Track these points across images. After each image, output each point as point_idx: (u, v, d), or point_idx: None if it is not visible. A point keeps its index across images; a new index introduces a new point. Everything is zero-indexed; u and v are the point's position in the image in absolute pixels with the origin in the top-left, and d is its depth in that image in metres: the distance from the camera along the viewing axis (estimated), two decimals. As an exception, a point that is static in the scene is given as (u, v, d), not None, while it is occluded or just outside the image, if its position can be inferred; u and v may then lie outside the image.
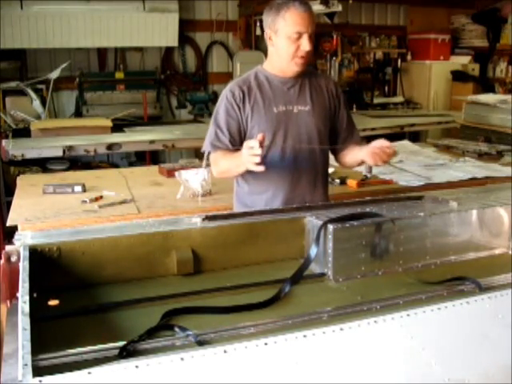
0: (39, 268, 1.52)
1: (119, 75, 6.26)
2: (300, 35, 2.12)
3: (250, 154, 1.92)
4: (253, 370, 0.98)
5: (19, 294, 1.27)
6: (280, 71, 2.25)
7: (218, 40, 6.86)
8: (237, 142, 2.22)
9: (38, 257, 1.55)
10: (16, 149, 4.22)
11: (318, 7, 5.07)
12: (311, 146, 2.27)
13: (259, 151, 1.89)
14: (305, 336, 1.07)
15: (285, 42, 2.14)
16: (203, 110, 6.39)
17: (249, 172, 2.10)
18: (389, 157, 2.11)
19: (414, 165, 3.66)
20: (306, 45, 2.13)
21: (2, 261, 1.50)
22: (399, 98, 7.32)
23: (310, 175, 2.30)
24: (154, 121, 6.13)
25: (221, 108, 2.26)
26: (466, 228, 1.96)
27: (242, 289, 1.65)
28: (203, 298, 1.58)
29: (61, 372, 0.93)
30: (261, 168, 1.94)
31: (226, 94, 2.26)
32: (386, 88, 7.62)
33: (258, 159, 1.90)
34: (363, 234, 1.77)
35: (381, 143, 2.11)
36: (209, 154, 2.31)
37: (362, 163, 2.38)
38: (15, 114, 5.36)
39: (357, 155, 2.26)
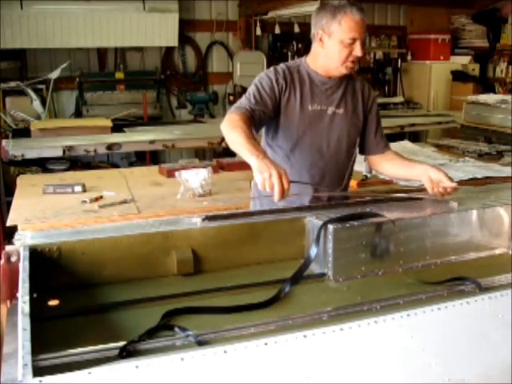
0: (39, 268, 1.52)
1: (119, 75, 6.26)
2: (354, 41, 2.11)
3: (277, 181, 1.67)
4: (253, 370, 0.98)
5: (19, 294, 1.27)
6: (324, 71, 2.23)
7: (218, 40, 6.87)
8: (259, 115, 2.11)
9: (38, 257, 1.55)
10: (16, 149, 4.22)
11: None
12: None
13: (286, 185, 1.68)
14: (305, 336, 1.07)
15: (338, 46, 2.13)
16: (203, 110, 6.39)
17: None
18: (449, 194, 2.07)
19: (414, 165, 3.66)
20: (358, 51, 2.12)
21: (2, 261, 1.50)
22: (399, 98, 7.32)
23: (334, 177, 2.29)
24: (154, 121, 6.13)
25: (262, 80, 2.17)
26: (466, 228, 1.95)
27: (242, 289, 1.65)
28: (203, 298, 1.57)
29: (61, 372, 0.93)
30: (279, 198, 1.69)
31: (272, 71, 2.19)
32: (386, 88, 7.63)
33: (278, 192, 1.67)
34: (363, 234, 1.77)
35: (444, 180, 2.05)
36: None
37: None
38: (15, 114, 5.36)
39: (412, 173, 2.24)
